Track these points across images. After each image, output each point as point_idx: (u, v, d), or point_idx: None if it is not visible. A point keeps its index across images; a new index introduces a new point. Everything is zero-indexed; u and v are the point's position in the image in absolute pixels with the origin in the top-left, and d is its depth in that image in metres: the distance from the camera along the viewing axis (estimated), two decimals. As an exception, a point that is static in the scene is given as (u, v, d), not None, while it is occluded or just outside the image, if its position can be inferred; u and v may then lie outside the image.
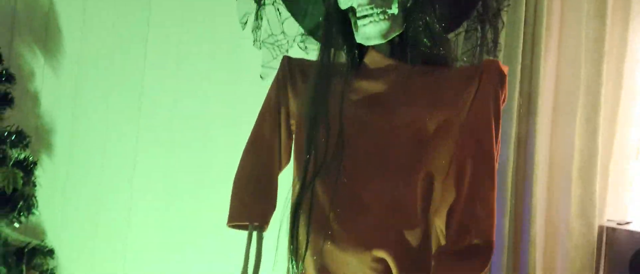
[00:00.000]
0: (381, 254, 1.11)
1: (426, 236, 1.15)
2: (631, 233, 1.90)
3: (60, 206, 1.94)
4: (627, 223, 1.98)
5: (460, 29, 1.34)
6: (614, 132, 2.02)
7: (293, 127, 1.35)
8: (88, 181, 2.00)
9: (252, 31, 1.32)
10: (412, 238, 1.13)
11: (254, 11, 1.34)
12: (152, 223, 1.96)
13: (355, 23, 1.17)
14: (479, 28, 1.26)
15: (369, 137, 1.17)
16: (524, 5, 1.86)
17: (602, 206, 2.01)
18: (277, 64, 1.30)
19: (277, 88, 1.33)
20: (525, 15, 1.87)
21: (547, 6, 1.92)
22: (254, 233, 1.29)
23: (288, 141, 1.37)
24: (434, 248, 1.17)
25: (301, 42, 1.36)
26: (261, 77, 1.31)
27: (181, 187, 1.96)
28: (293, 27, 1.36)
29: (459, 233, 1.09)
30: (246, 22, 1.31)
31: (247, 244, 1.27)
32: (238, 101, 1.85)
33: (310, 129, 1.18)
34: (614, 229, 1.94)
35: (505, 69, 1.14)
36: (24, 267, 1.53)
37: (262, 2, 1.34)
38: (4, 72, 1.61)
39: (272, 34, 1.26)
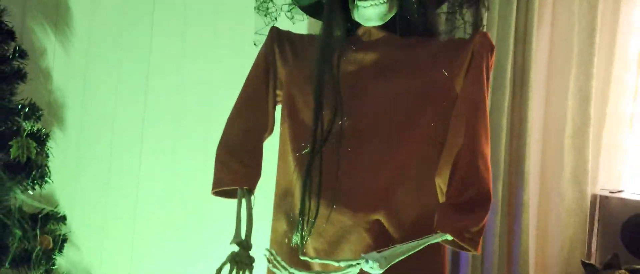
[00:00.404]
0: (376, 215, 1.18)
1: (423, 196, 1.22)
2: (623, 200, 1.97)
3: (72, 176, 2.01)
4: (620, 191, 2.05)
5: (443, 9, 1.39)
6: (606, 103, 2.06)
7: (278, 98, 1.39)
8: (98, 152, 2.07)
9: None
10: (408, 198, 1.20)
11: None
12: (159, 191, 2.03)
13: (355, 3, 1.22)
14: (458, 11, 1.32)
15: (367, 104, 1.22)
16: None
17: (595, 174, 2.06)
18: (265, 32, 1.34)
19: (265, 56, 1.36)
20: None
21: None
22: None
23: (272, 110, 1.39)
24: (429, 207, 1.21)
25: (288, 11, 1.37)
26: (254, 44, 1.35)
27: (187, 157, 2.03)
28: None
29: (461, 187, 1.16)
30: None
31: (238, 208, 1.29)
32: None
33: (316, 101, 1.21)
34: (606, 197, 2.01)
35: (493, 44, 1.23)
36: (38, 231, 1.61)
37: None
38: (17, 48, 1.68)
39: (264, 0, 1.31)
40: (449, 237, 1.13)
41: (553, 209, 2.03)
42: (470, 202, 1.15)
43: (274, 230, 1.34)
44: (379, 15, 1.22)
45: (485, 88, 1.21)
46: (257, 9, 1.34)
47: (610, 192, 2.03)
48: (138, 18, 2.09)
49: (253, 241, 1.23)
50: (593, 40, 1.99)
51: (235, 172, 1.31)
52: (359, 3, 1.21)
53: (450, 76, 1.21)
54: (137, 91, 2.09)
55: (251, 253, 1.22)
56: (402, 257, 1.10)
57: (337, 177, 1.18)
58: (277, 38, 1.35)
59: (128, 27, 2.09)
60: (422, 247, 1.13)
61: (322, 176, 1.17)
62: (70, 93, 2.09)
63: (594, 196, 2.05)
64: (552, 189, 2.02)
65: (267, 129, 1.39)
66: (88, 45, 2.08)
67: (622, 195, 2.01)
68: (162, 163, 2.06)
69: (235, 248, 1.21)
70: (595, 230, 2.05)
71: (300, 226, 1.20)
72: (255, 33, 1.35)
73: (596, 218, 2.05)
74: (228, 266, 1.18)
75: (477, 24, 1.35)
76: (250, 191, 1.31)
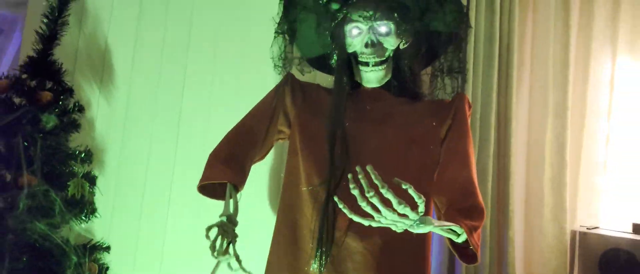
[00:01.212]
0: (374, 237, 1.33)
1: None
2: (600, 236, 2.21)
3: (109, 214, 2.27)
4: (596, 227, 2.30)
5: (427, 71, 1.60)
6: (580, 149, 2.34)
7: (282, 135, 1.54)
8: (132, 193, 2.32)
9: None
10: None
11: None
12: (186, 228, 2.28)
13: (358, 66, 1.43)
14: (440, 76, 1.50)
15: (368, 149, 1.39)
16: (498, 43, 2.23)
17: (573, 212, 2.31)
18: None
19: (276, 94, 1.52)
20: (498, 52, 2.23)
21: (518, 42, 2.29)
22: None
23: (270, 139, 1.53)
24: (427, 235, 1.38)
25: (298, 65, 1.57)
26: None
27: (210, 203, 2.30)
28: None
29: (462, 197, 1.31)
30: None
31: (228, 193, 1.42)
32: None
33: (330, 149, 1.36)
34: (585, 233, 2.25)
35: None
36: (86, 259, 1.88)
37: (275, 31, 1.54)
38: (76, 103, 1.98)
39: (280, 58, 1.51)
40: (461, 235, 1.24)
41: (536, 245, 2.26)
42: (472, 208, 1.30)
43: (275, 250, 1.47)
44: (378, 79, 1.43)
45: (469, 136, 1.44)
46: (276, 66, 1.52)
47: (587, 228, 2.26)
48: (171, 74, 2.38)
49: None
50: (567, 95, 2.29)
51: (221, 171, 1.44)
52: (362, 68, 1.42)
53: (437, 126, 1.42)
54: (169, 139, 2.36)
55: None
56: (438, 227, 1.20)
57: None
58: (291, 83, 1.53)
59: (162, 83, 2.38)
60: (445, 228, 1.22)
61: (335, 210, 1.31)
62: (110, 141, 2.34)
63: (574, 232, 2.29)
64: (534, 226, 2.27)
65: (258, 153, 1.53)
66: (127, 99, 2.37)
67: (599, 231, 2.23)
68: (189, 204, 2.31)
69: (224, 219, 1.35)
70: (576, 262, 2.27)
71: (319, 254, 1.32)
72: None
73: (576, 252, 2.27)
74: (216, 230, 1.32)
75: (455, 88, 1.49)
76: (235, 188, 1.44)
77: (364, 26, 1.40)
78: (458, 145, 1.41)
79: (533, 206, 2.28)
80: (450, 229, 1.24)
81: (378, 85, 1.45)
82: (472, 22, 2.18)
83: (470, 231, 1.24)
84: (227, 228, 1.34)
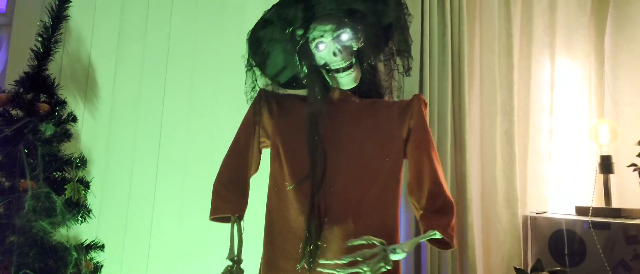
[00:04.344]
0: (351, 224, 1.55)
1: (380, 208, 1.58)
2: (548, 219, 2.51)
3: (95, 219, 2.37)
4: (544, 212, 2.62)
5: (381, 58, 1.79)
6: (527, 143, 2.69)
7: (264, 144, 1.75)
8: (117, 202, 2.52)
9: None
10: (371, 210, 1.56)
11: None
12: (169, 232, 2.50)
13: (331, 74, 1.62)
14: (392, 59, 1.72)
15: (341, 151, 1.61)
16: (450, 51, 2.56)
17: (524, 199, 2.64)
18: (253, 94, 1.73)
19: (253, 111, 1.73)
20: (451, 59, 2.56)
21: (468, 50, 2.63)
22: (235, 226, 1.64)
23: (258, 154, 1.75)
24: (385, 215, 1.60)
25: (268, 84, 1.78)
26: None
27: (194, 205, 2.50)
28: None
29: (432, 199, 1.55)
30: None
31: (232, 230, 1.62)
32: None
33: (310, 153, 1.57)
34: (535, 218, 2.56)
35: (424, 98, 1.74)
36: (83, 256, 2.11)
37: (246, 67, 1.72)
38: (70, 114, 2.20)
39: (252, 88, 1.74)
40: (437, 235, 1.50)
41: (492, 229, 2.57)
42: (442, 208, 1.54)
43: (266, 251, 1.65)
44: (353, 79, 1.62)
45: (429, 130, 1.68)
46: (247, 94, 1.73)
47: (537, 213, 2.58)
48: (152, 87, 2.60)
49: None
50: (512, 94, 2.64)
51: (228, 201, 1.65)
52: (336, 75, 1.62)
53: (399, 127, 1.65)
54: (151, 148, 2.58)
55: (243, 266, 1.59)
56: (413, 246, 1.51)
57: (325, 204, 1.55)
58: (265, 97, 1.74)
59: (143, 95, 2.60)
60: (420, 241, 1.54)
61: (319, 206, 1.55)
62: (95, 152, 2.54)
63: (525, 217, 2.62)
64: (490, 212, 2.58)
65: (252, 168, 1.76)
66: (111, 112, 2.58)
67: (547, 215, 2.54)
68: (172, 210, 2.55)
69: (230, 263, 1.55)
70: (529, 244, 2.60)
71: (307, 246, 1.52)
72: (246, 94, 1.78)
73: (529, 234, 2.59)
74: None
75: (405, 66, 1.68)
76: (240, 217, 1.65)
77: (327, 39, 1.61)
78: (420, 145, 1.63)
79: (488, 194, 2.59)
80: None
81: (355, 84, 1.65)
82: (427, 32, 2.53)
83: (446, 229, 1.49)
84: (233, 271, 1.55)
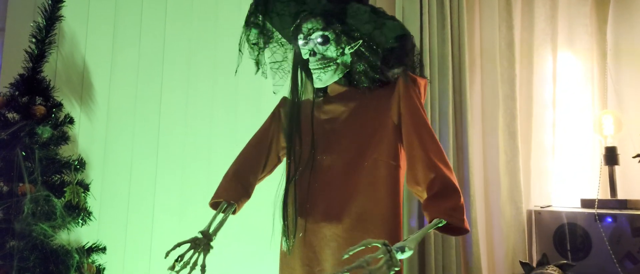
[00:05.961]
0: (344, 220, 1.55)
1: (372, 198, 1.56)
2: (552, 213, 2.54)
3: (96, 222, 2.41)
4: (548, 206, 2.65)
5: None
6: (530, 137, 2.72)
7: (282, 154, 1.79)
8: (116, 203, 2.56)
9: (255, 63, 1.77)
10: (373, 209, 1.56)
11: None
12: (171, 234, 2.53)
13: (312, 72, 1.66)
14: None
15: (336, 144, 1.64)
16: (450, 45, 2.59)
17: (528, 194, 2.67)
18: (283, 83, 1.77)
19: (272, 118, 1.82)
20: (451, 53, 2.58)
21: (468, 44, 2.66)
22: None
23: (268, 157, 1.80)
24: (377, 205, 1.57)
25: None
26: (274, 92, 1.81)
27: (195, 203, 2.55)
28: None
29: (430, 185, 1.46)
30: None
31: (217, 211, 1.66)
32: (238, 131, 2.55)
33: (288, 143, 1.67)
34: (539, 212, 2.59)
35: (416, 77, 1.62)
36: (85, 259, 2.13)
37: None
38: (67, 116, 2.22)
39: (275, 61, 1.79)
40: (442, 222, 1.39)
41: (496, 224, 2.61)
42: (441, 191, 1.43)
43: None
44: (324, 81, 1.65)
45: (421, 108, 1.58)
46: (270, 67, 1.79)
47: (541, 207, 2.61)
48: (148, 87, 2.64)
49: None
50: (514, 88, 2.68)
51: (225, 189, 1.72)
52: (313, 73, 1.66)
53: (387, 111, 1.61)
54: (149, 148, 2.62)
55: None
56: (419, 240, 1.37)
57: (311, 196, 1.60)
58: (284, 104, 1.81)
59: (140, 98, 2.64)
60: (427, 232, 1.41)
61: (296, 202, 1.62)
62: (93, 154, 2.57)
63: (529, 212, 2.65)
64: (494, 207, 2.62)
65: (261, 170, 1.79)
66: (107, 114, 2.61)
67: (551, 209, 2.57)
68: (172, 209, 2.57)
69: (200, 236, 1.56)
70: (534, 239, 2.62)
71: (285, 236, 1.62)
72: (273, 85, 1.80)
73: (533, 229, 2.61)
74: (187, 245, 1.52)
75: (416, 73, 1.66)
76: (232, 205, 1.70)
77: (309, 37, 1.65)
78: (409, 128, 1.57)
79: (491, 189, 2.62)
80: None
81: (330, 83, 1.68)
82: (426, 25, 2.55)
83: (451, 214, 1.39)
84: (199, 242, 1.55)
